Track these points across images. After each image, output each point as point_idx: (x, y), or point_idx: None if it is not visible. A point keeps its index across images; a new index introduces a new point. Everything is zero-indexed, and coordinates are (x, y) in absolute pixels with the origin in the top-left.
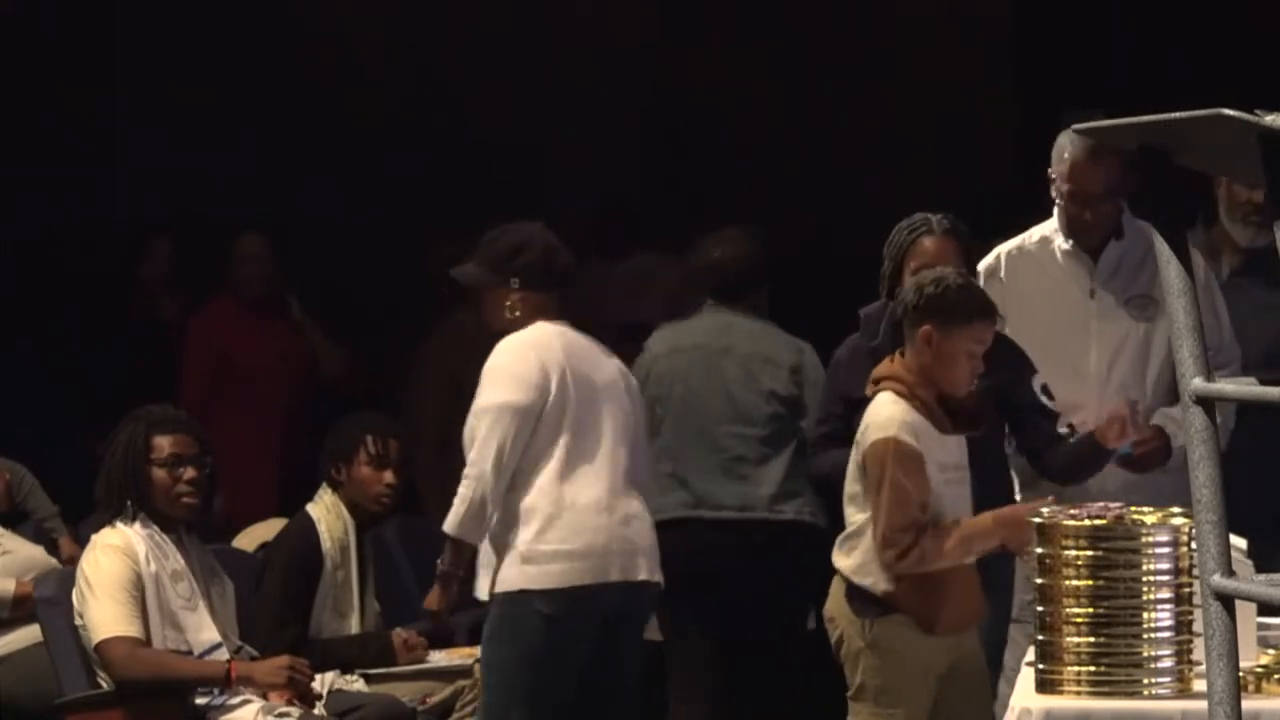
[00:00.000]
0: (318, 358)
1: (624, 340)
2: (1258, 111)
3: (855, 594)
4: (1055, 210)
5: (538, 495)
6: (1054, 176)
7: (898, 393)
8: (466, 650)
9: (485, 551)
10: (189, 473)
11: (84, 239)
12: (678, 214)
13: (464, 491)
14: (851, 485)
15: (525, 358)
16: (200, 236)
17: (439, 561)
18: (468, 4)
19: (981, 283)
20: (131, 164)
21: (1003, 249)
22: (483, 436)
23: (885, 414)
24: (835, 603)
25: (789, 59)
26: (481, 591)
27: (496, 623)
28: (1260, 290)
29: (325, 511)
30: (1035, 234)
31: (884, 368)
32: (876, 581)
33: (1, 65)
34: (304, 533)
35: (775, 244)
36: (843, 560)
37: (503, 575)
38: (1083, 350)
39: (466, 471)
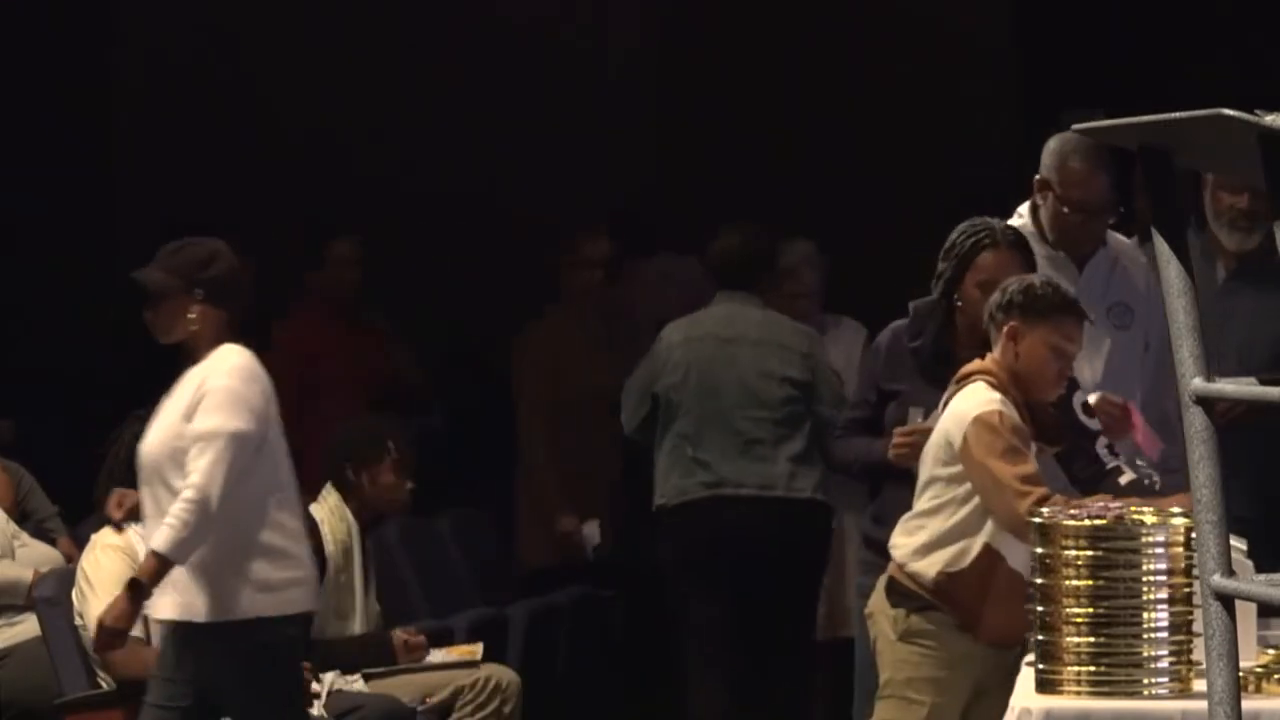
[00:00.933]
0: (398, 365)
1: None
2: (1258, 111)
3: (895, 588)
4: (1036, 214)
5: (265, 524)
6: (1049, 181)
7: (990, 384)
8: (467, 648)
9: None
10: None
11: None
12: (683, 215)
13: (184, 515)
14: (936, 468)
15: (251, 384)
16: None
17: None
18: (468, 4)
19: None
20: (161, 166)
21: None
22: (210, 460)
23: (984, 396)
24: (876, 598)
25: (789, 59)
26: (160, 611)
27: (247, 652)
28: (1257, 294)
29: (329, 514)
30: None
31: (973, 365)
32: (929, 566)
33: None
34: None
35: (774, 244)
36: (903, 539)
37: (239, 604)
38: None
39: (189, 495)
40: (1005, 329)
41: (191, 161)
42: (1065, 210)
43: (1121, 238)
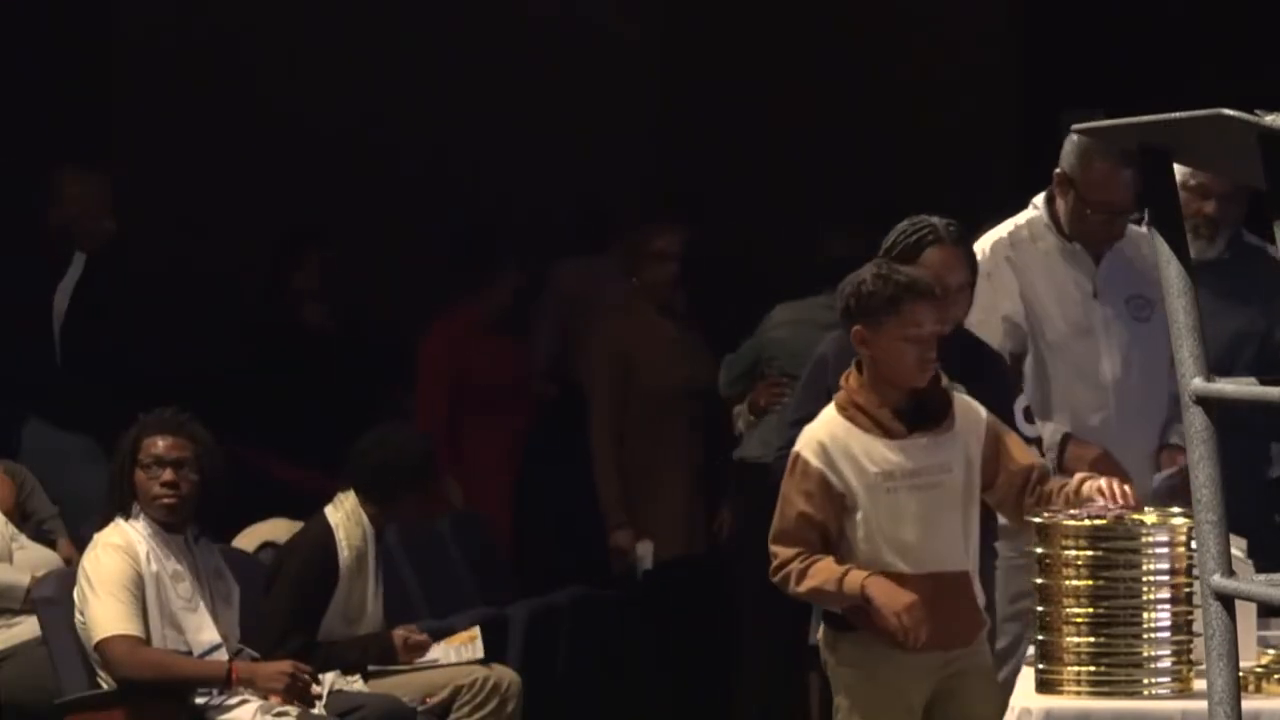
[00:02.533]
0: (550, 368)
1: None
2: (1258, 111)
3: (828, 612)
4: (1052, 205)
5: None
6: (1072, 180)
7: (836, 404)
8: (467, 635)
9: None
10: (166, 475)
11: (231, 246)
12: (677, 213)
13: None
14: None
15: None
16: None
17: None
18: (467, 5)
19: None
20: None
21: (992, 242)
22: None
23: (809, 430)
24: (821, 623)
25: (788, 58)
26: None
27: None
28: (1214, 296)
29: (344, 518)
30: (1022, 225)
31: (843, 377)
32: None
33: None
34: (320, 542)
35: (774, 243)
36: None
37: None
38: (1091, 354)
39: None
40: (853, 335)
41: (195, 160)
42: (1088, 211)
43: (1137, 228)
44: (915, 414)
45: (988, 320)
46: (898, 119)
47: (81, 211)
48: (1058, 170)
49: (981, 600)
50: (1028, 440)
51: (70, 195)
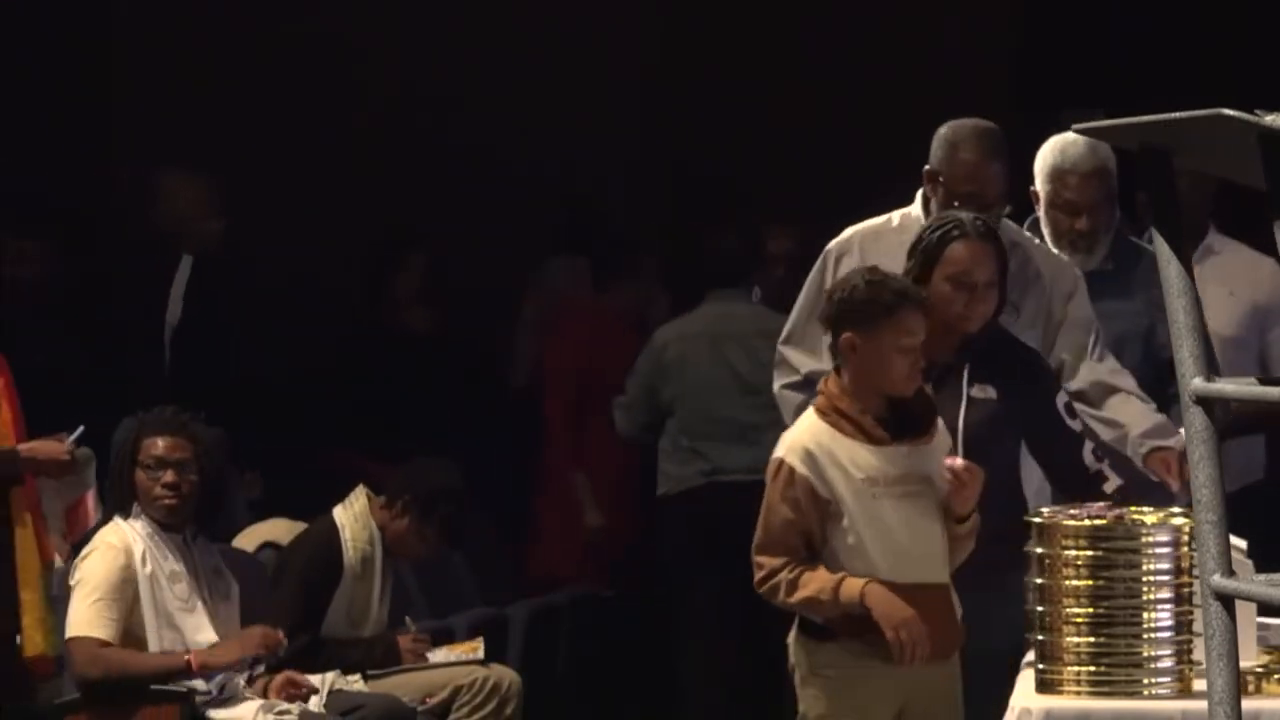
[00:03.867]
0: None
1: None
2: (1258, 111)
3: (804, 619)
4: (927, 206)
5: None
6: (939, 171)
7: (817, 409)
8: (468, 645)
9: None
10: (167, 476)
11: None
12: (672, 211)
13: None
14: None
15: None
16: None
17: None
18: (466, 5)
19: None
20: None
21: (856, 228)
22: None
23: (791, 435)
24: (794, 628)
25: (787, 57)
26: None
27: None
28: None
29: (352, 520)
30: (894, 217)
31: (822, 381)
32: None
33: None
34: (326, 539)
35: (773, 242)
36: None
37: None
38: None
39: None
40: (842, 342)
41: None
42: (956, 204)
43: (1015, 226)
44: (897, 422)
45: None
46: (897, 119)
47: (189, 213)
48: (926, 167)
49: (959, 613)
50: (1073, 435)
51: (177, 197)
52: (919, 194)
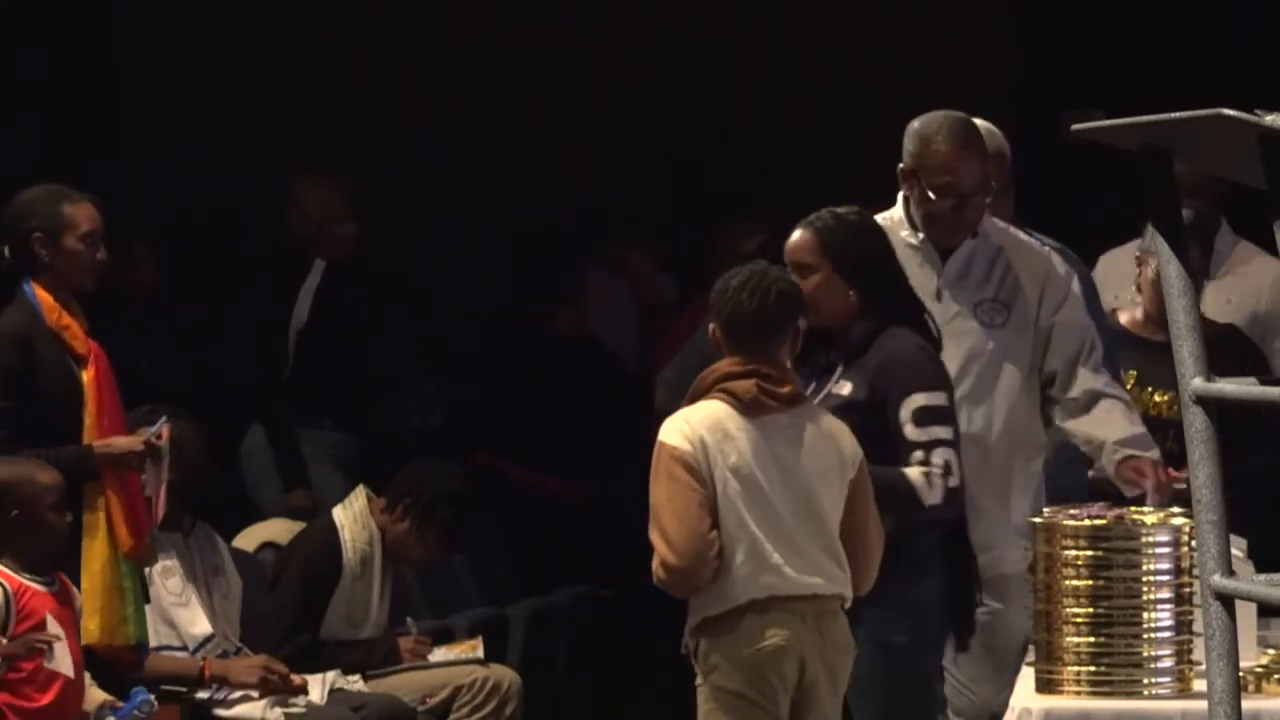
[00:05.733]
0: None
1: None
2: (1258, 111)
3: (701, 621)
4: (908, 206)
5: None
6: (914, 169)
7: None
8: (468, 644)
9: None
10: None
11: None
12: (671, 213)
13: None
14: None
15: None
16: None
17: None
18: (465, 4)
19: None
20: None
21: None
22: None
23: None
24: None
25: (786, 57)
26: None
27: None
28: None
29: (352, 520)
30: (885, 219)
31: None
32: None
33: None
34: (325, 539)
35: (771, 241)
36: None
37: None
38: None
39: None
40: (713, 334)
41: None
42: (931, 195)
43: (1017, 233)
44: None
45: None
46: (895, 119)
47: (323, 217)
48: (900, 166)
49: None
50: (906, 446)
51: (311, 201)
52: (899, 199)
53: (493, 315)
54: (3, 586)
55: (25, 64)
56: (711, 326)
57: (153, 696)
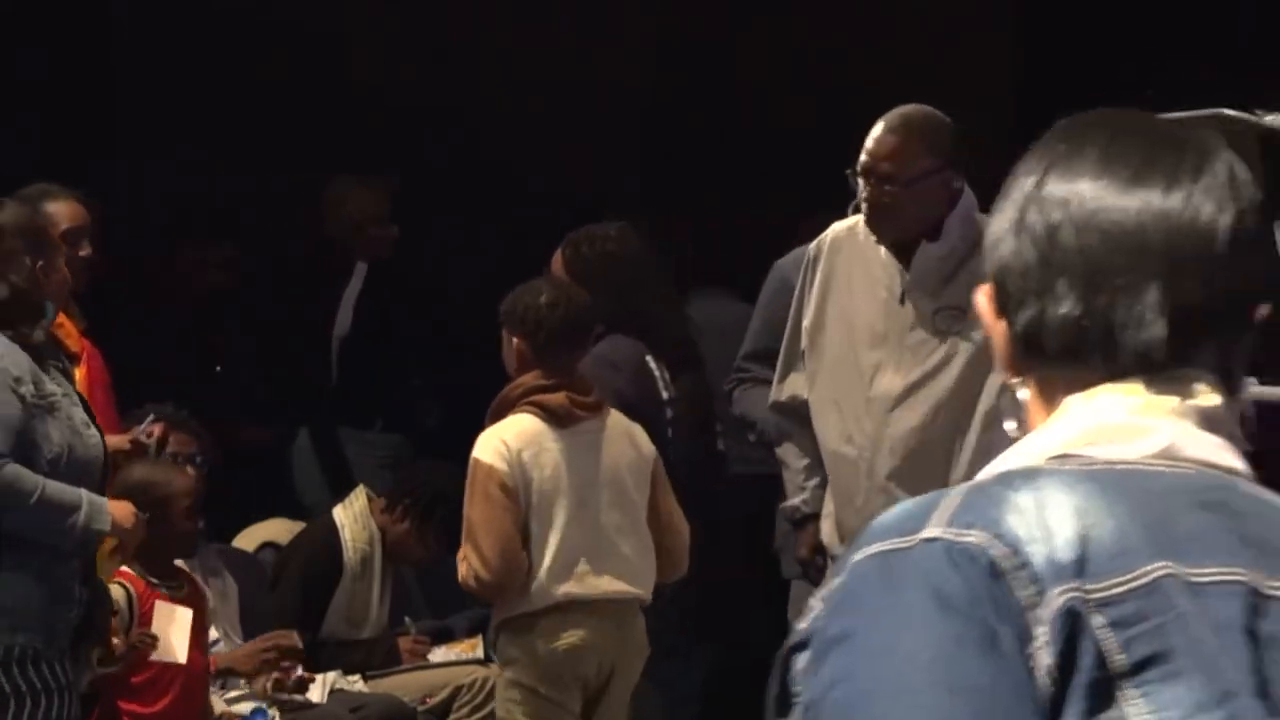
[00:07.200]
0: None
1: None
2: (1258, 111)
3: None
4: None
5: None
6: (865, 164)
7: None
8: (468, 645)
9: None
10: None
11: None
12: (669, 210)
13: None
14: None
15: None
16: None
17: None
18: (465, 4)
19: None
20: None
21: (834, 227)
22: None
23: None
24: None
25: (786, 57)
26: None
27: None
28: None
29: (352, 520)
30: (855, 220)
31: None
32: None
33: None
34: (325, 538)
35: (770, 241)
36: None
37: None
38: (878, 364)
39: None
40: (517, 347)
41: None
42: (874, 182)
43: (960, 227)
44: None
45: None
46: None
47: (364, 220)
48: (848, 171)
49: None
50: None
51: (352, 204)
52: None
53: (492, 315)
54: (126, 588)
55: (25, 64)
56: (515, 342)
57: (274, 712)
